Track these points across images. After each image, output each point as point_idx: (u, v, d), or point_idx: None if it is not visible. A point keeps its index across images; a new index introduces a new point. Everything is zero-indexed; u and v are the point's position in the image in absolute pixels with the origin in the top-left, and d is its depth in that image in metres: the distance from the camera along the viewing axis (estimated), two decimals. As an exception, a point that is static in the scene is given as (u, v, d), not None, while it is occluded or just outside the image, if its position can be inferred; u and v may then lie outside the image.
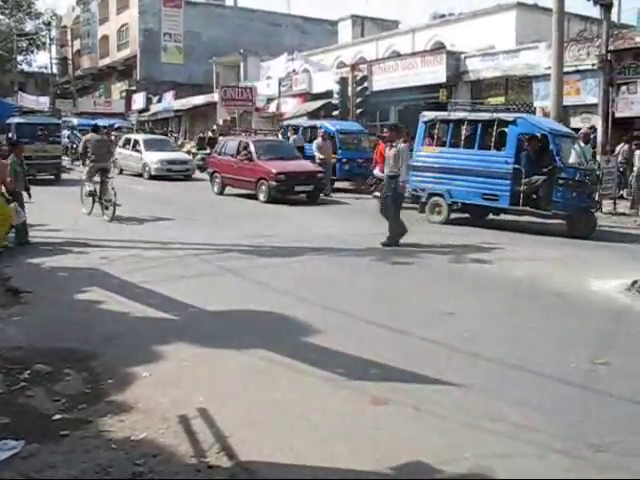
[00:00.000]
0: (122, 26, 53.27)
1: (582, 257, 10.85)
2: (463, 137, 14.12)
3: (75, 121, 37.26)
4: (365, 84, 24.53)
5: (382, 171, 17.83)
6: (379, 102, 26.05)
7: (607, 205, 15.71)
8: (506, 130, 13.48)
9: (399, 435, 4.23)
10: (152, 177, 24.41)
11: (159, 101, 46.27)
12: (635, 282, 8.25)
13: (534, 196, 13.09)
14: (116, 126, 37.59)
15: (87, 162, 14.33)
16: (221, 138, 30.65)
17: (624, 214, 15.58)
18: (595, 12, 20.05)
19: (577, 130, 16.11)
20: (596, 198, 13.62)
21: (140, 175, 25.02)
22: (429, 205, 14.43)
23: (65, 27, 62.55)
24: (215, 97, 36.51)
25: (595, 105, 19.39)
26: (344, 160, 20.57)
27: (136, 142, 26.27)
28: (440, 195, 14.19)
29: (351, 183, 22.04)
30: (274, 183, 17.39)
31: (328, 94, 27.77)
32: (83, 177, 14.59)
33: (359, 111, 24.01)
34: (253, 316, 6.95)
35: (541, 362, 5.58)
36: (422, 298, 8.00)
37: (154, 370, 5.28)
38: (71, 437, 4.09)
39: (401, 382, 5.10)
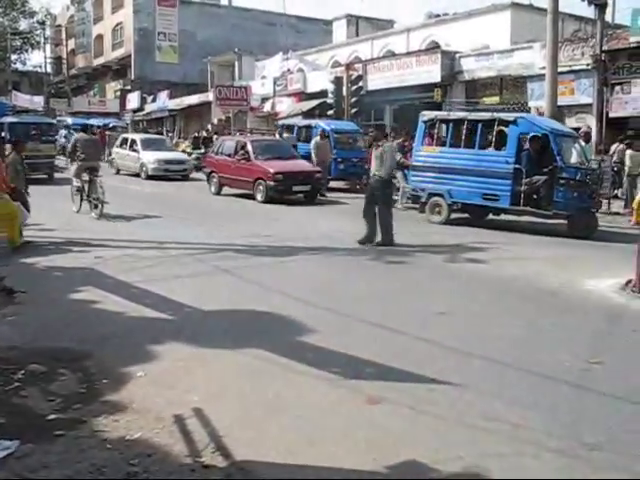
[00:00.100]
0: (117, 25, 53.20)
1: (579, 257, 10.87)
2: (463, 137, 14.04)
3: (69, 120, 37.26)
4: (360, 84, 24.52)
5: None
6: (374, 102, 26.06)
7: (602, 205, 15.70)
8: (506, 130, 13.43)
9: (395, 434, 4.23)
10: (149, 177, 24.31)
11: (154, 100, 46.17)
12: (629, 281, 8.28)
13: (534, 196, 13.05)
14: (111, 125, 37.58)
15: (76, 160, 14.64)
16: (215, 137, 30.74)
17: (618, 213, 15.63)
18: (589, 12, 20.19)
19: (577, 130, 16.10)
20: (598, 198, 13.56)
21: (137, 175, 24.94)
22: (429, 205, 14.38)
23: (59, 26, 62.46)
24: (210, 96, 36.45)
25: (589, 105, 19.47)
26: (339, 159, 20.58)
27: (133, 142, 26.15)
28: (440, 195, 14.14)
29: (346, 182, 22.07)
30: (272, 183, 17.35)
31: (323, 93, 27.76)
32: (71, 175, 14.73)
33: (354, 110, 24.00)
34: (248, 316, 6.94)
35: (536, 361, 5.59)
36: (417, 297, 8.01)
37: (149, 370, 5.27)
38: (66, 437, 4.08)
39: (396, 381, 5.11)
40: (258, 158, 18.24)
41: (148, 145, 25.74)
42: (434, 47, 26.26)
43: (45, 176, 22.30)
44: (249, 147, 18.61)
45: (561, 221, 13.06)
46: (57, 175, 23.25)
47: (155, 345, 5.85)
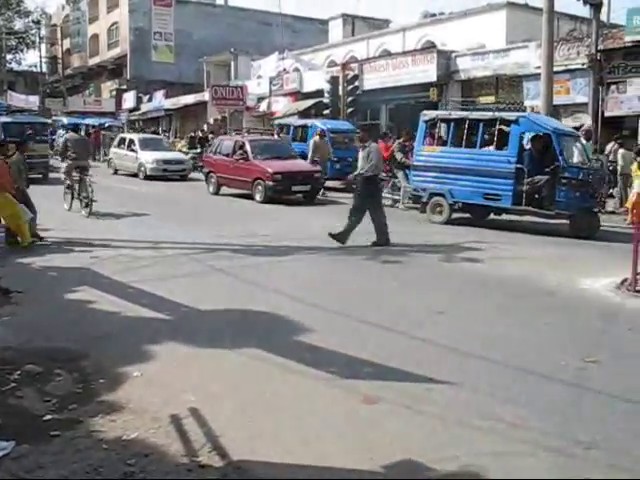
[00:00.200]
0: (112, 25, 53.08)
1: (576, 256, 10.89)
2: (464, 136, 13.94)
3: (65, 120, 37.11)
4: (356, 83, 24.52)
5: (383, 171, 17.91)
6: (370, 101, 26.05)
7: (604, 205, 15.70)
8: (507, 129, 13.35)
9: (391, 434, 4.24)
10: (148, 177, 24.20)
11: (149, 100, 46.11)
12: (625, 280, 8.30)
13: (536, 196, 12.99)
14: (106, 125, 37.52)
15: (66, 160, 14.89)
16: (211, 136, 30.71)
17: (614, 212, 15.64)
18: (585, 12, 20.21)
19: (577, 129, 16.09)
20: (600, 197, 13.45)
21: (135, 175, 24.85)
22: (430, 205, 14.32)
23: (55, 26, 62.28)
24: (206, 96, 36.40)
25: (585, 104, 19.50)
26: (335, 159, 20.55)
27: (131, 141, 26.03)
28: (441, 195, 14.07)
29: (342, 182, 22.04)
30: (271, 183, 17.26)
31: (319, 93, 27.75)
32: (62, 174, 14.88)
33: (350, 110, 23.99)
34: (245, 315, 6.94)
35: (532, 360, 5.60)
36: (414, 297, 8.02)
37: (145, 370, 5.27)
38: (62, 437, 4.08)
39: (393, 381, 5.11)
40: (257, 158, 18.16)
41: (146, 145, 25.62)
42: (430, 47, 26.25)
43: (39, 176, 22.21)
44: (248, 147, 18.52)
45: (563, 221, 13.00)
46: (52, 175, 23.20)
47: (151, 345, 5.85)
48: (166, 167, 24.58)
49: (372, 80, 26.24)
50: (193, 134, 32.35)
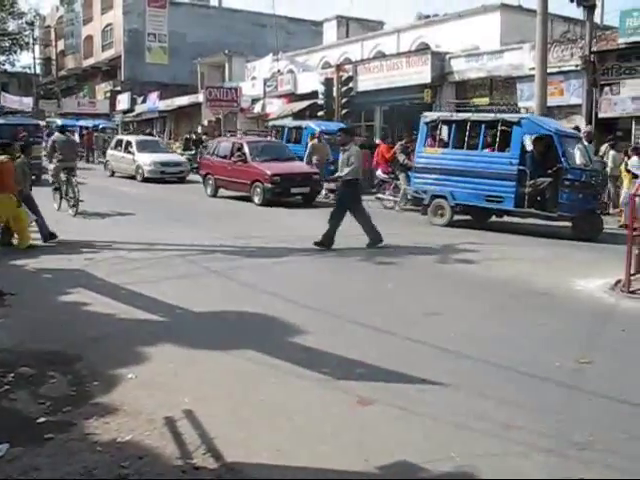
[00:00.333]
0: (106, 26, 53.04)
1: (572, 257, 10.91)
2: (466, 138, 13.87)
3: (59, 122, 37.04)
4: (350, 84, 24.52)
5: (385, 172, 17.89)
6: (364, 102, 26.08)
7: (607, 206, 15.73)
8: (509, 131, 13.27)
9: (385, 435, 4.24)
10: (145, 179, 24.09)
11: (144, 102, 46.07)
12: (618, 281, 8.32)
13: (539, 198, 12.96)
14: (100, 127, 37.47)
15: (54, 161, 15.13)
16: (204, 138, 30.69)
17: (608, 214, 15.68)
18: (578, 13, 20.27)
19: (577, 129, 16.10)
20: (602, 199, 13.46)
21: (133, 177, 24.73)
22: (432, 207, 14.27)
23: (49, 27, 62.16)
24: (200, 98, 36.39)
25: (579, 106, 19.55)
26: (330, 161, 20.53)
27: (128, 143, 25.88)
28: (443, 197, 14.02)
29: (336, 184, 22.00)
30: (269, 185, 17.18)
31: (313, 95, 27.77)
32: (49, 175, 15.00)
33: (344, 112, 23.99)
34: (239, 317, 6.94)
35: (526, 361, 5.61)
36: (408, 298, 8.02)
37: (140, 372, 5.26)
38: (56, 440, 4.07)
39: (388, 382, 5.12)
40: (255, 160, 18.07)
41: (144, 147, 25.47)
42: (424, 48, 26.27)
43: (33, 177, 22.14)
44: (246, 148, 18.44)
45: (565, 223, 12.97)
46: (44, 176, 23.10)
47: (146, 347, 5.84)
48: (164, 169, 24.43)
49: (366, 81, 26.25)
50: (188, 136, 32.33)
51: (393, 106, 26.06)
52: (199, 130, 34.33)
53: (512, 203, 13.06)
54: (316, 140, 19.65)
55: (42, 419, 4.37)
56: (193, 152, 28.84)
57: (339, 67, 25.87)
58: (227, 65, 40.78)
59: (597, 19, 20.02)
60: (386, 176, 17.81)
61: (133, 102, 47.15)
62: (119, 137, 28.71)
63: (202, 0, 53.81)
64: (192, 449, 3.97)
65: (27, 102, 50.99)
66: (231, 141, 19.98)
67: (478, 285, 8.70)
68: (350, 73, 25.83)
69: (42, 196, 15.93)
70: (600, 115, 18.99)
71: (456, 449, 4.02)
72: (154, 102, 44.26)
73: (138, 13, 46.88)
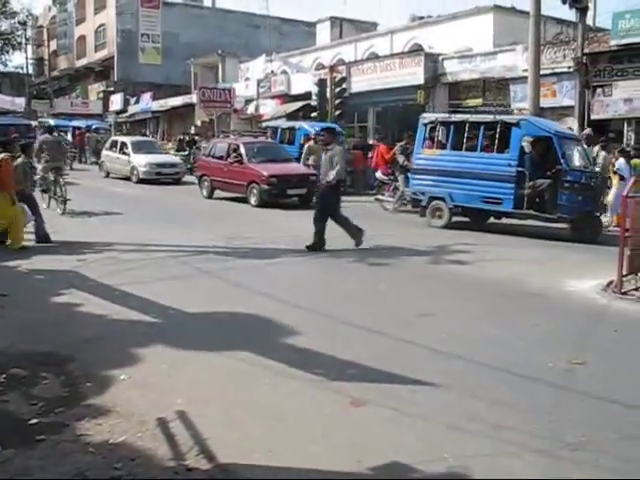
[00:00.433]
0: (99, 27, 52.93)
1: (566, 258, 10.93)
2: (465, 139, 13.82)
3: (52, 122, 36.95)
4: (344, 85, 24.53)
5: (385, 174, 17.84)
6: (357, 103, 26.10)
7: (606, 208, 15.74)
8: (508, 132, 13.24)
9: (378, 436, 4.25)
10: (140, 180, 23.94)
11: (137, 102, 45.98)
12: (611, 282, 8.35)
13: (538, 199, 12.92)
14: (93, 127, 37.38)
15: (41, 161, 15.34)
16: (197, 138, 30.65)
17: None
18: (571, 15, 20.35)
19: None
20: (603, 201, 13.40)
21: (128, 179, 24.61)
22: (430, 209, 14.21)
23: (41, 27, 61.99)
24: (193, 98, 36.38)
25: (571, 107, 19.62)
26: (323, 162, 20.53)
27: (124, 144, 25.73)
28: (441, 199, 13.97)
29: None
30: (266, 187, 17.08)
31: (307, 95, 27.78)
32: (37, 175, 15.08)
33: (338, 113, 24.00)
34: (232, 318, 6.93)
35: (518, 362, 5.62)
36: (401, 299, 8.03)
37: (132, 373, 5.25)
38: (48, 441, 4.05)
39: (380, 383, 5.12)
40: (251, 161, 17.98)
41: (139, 148, 25.32)
42: (417, 49, 26.30)
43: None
44: (242, 150, 18.33)
45: (564, 225, 12.96)
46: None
47: (138, 348, 5.83)
48: (159, 170, 24.27)
49: (360, 83, 26.27)
50: (182, 137, 32.28)
51: (386, 107, 26.10)
52: (192, 131, 34.28)
53: (511, 205, 13.01)
54: (312, 142, 19.61)
55: (34, 420, 4.36)
56: (186, 153, 28.81)
57: (332, 68, 25.90)
58: (220, 66, 40.75)
59: (589, 21, 20.11)
60: (386, 177, 17.76)
61: (126, 103, 47.05)
62: (114, 138, 28.57)
63: (195, 0, 53.79)
64: (185, 450, 3.97)
65: (19, 102, 50.77)
66: (227, 142, 19.84)
67: (471, 286, 8.71)
68: (343, 74, 25.86)
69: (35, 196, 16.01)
70: (592, 117, 19.07)
71: (448, 450, 4.03)
72: (147, 103, 44.20)
73: (131, 13, 46.81)
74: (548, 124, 14.07)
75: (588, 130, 16.42)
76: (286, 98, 31.67)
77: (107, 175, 26.22)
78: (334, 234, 11.07)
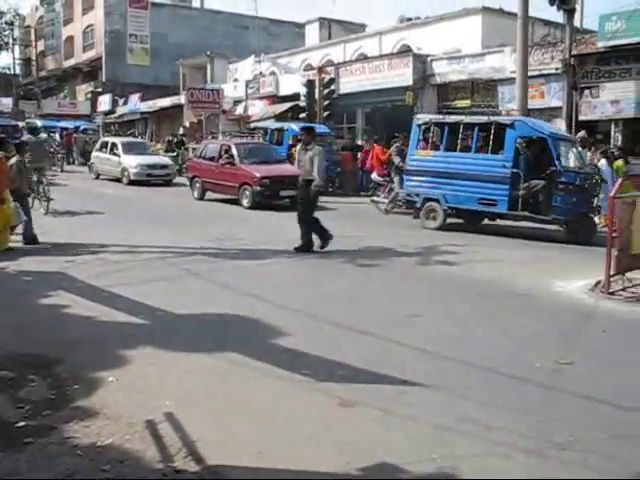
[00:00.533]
0: (87, 27, 52.74)
1: (555, 259, 10.98)
2: (459, 140, 13.78)
3: (39, 123, 36.76)
4: (332, 87, 24.56)
5: (380, 175, 17.81)
6: (346, 105, 26.13)
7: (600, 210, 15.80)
8: (502, 133, 13.22)
9: (367, 436, 4.25)
10: (131, 182, 23.76)
11: (125, 103, 45.86)
12: (598, 282, 8.39)
13: (532, 201, 12.92)
14: (82, 128, 37.22)
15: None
16: (184, 139, 30.56)
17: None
18: (559, 17, 20.45)
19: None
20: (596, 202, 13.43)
21: (119, 180, 24.45)
22: (424, 211, 14.18)
23: (29, 27, 61.67)
24: (182, 99, 36.30)
25: (559, 108, 19.72)
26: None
27: (114, 145, 25.51)
28: (435, 200, 13.93)
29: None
30: (258, 188, 16.96)
31: (295, 96, 27.78)
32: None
33: (326, 114, 24.01)
34: (220, 319, 6.92)
35: (507, 362, 5.64)
36: (389, 300, 8.04)
37: (120, 375, 5.22)
38: (35, 444, 4.03)
39: (368, 383, 5.12)
40: (243, 162, 17.86)
41: (129, 149, 25.12)
42: (406, 50, 26.37)
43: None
44: (234, 151, 18.20)
45: (558, 227, 12.98)
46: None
47: (126, 350, 5.80)
48: (150, 172, 24.09)
49: (348, 84, 26.31)
50: (170, 138, 32.20)
51: (375, 108, 26.15)
52: (180, 132, 34.22)
53: (505, 206, 13.00)
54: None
55: (21, 423, 4.33)
56: (175, 154, 28.75)
57: (321, 69, 25.89)
58: (209, 67, 40.71)
59: (577, 23, 20.18)
60: (381, 179, 17.74)
61: (114, 103, 46.91)
62: (104, 139, 28.36)
63: (184, 1, 53.67)
64: (173, 452, 3.96)
65: (6, 103, 50.53)
66: (219, 143, 19.72)
67: (460, 287, 8.73)
68: (332, 75, 25.88)
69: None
70: (580, 118, 19.16)
71: (437, 450, 4.04)
72: (135, 103, 44.08)
73: (119, 14, 46.71)
74: (542, 125, 14.07)
75: (582, 132, 16.50)
76: (275, 99, 31.68)
77: (97, 177, 26.02)
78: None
